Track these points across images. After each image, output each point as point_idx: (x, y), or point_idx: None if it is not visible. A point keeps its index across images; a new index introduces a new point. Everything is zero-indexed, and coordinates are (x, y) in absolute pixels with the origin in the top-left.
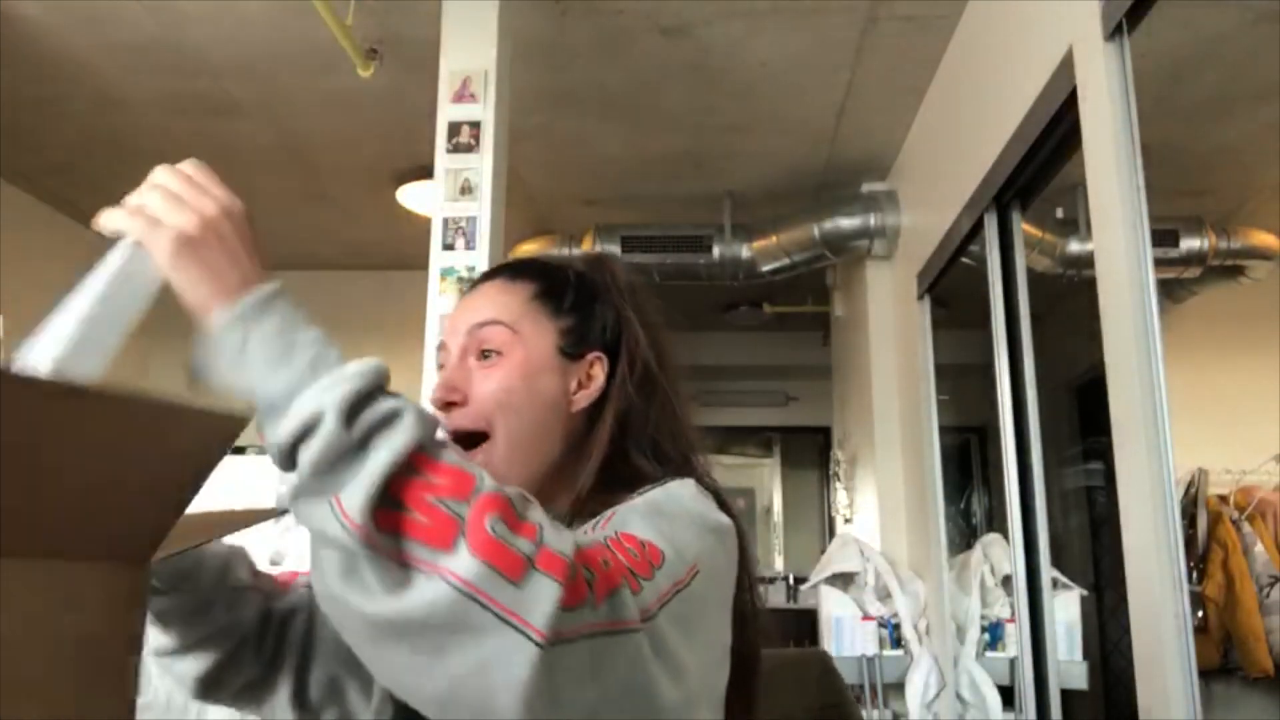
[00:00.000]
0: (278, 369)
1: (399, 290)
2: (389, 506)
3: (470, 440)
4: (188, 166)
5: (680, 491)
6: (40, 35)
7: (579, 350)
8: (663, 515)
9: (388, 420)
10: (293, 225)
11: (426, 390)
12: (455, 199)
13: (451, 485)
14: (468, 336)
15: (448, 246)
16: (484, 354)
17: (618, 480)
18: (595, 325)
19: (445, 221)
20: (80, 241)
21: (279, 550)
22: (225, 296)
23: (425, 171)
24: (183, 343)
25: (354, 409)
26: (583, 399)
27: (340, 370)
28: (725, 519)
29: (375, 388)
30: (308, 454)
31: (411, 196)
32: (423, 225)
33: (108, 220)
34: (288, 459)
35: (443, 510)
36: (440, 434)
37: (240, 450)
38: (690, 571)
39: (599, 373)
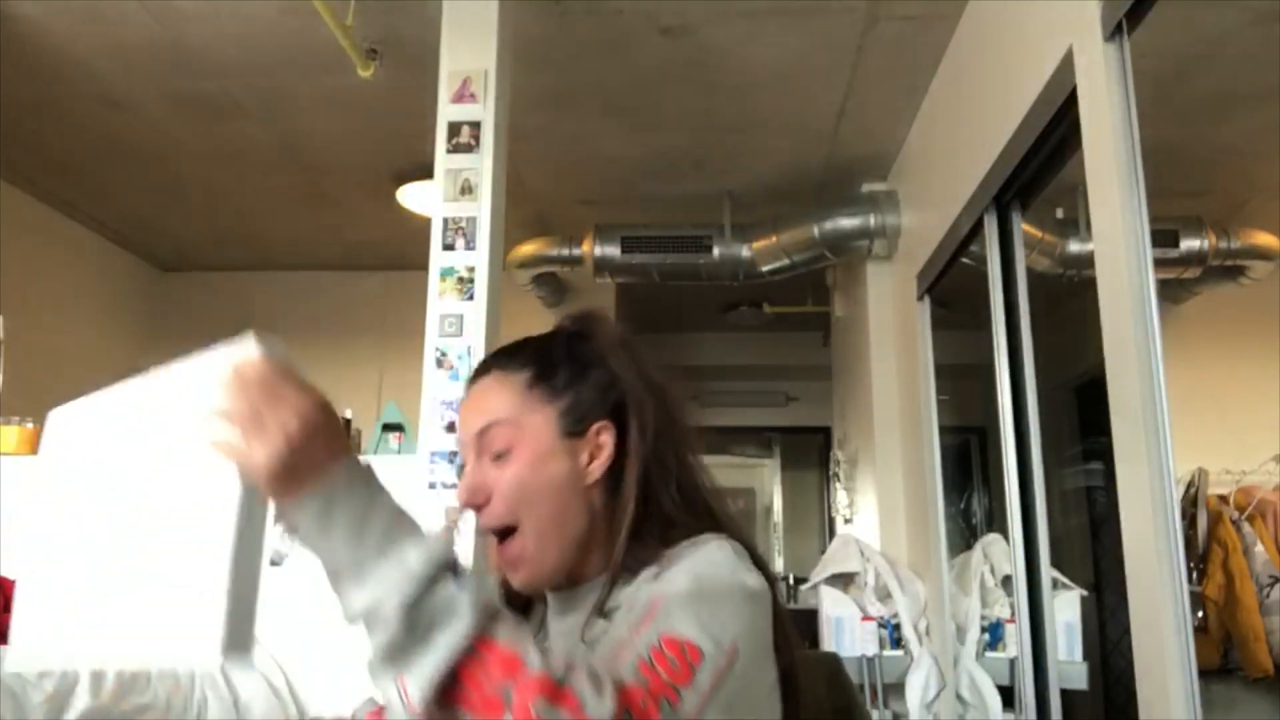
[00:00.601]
0: (351, 543)
1: (399, 290)
2: (447, 681)
3: (503, 532)
4: (259, 365)
5: (718, 558)
6: (40, 35)
7: (582, 426)
8: (704, 599)
9: (445, 612)
10: (293, 225)
11: (427, 391)
12: (455, 199)
13: (501, 666)
14: (477, 441)
15: (448, 246)
16: (495, 455)
17: (650, 534)
18: (593, 395)
19: (445, 221)
20: (80, 242)
21: (279, 551)
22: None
23: (425, 171)
24: (180, 344)
25: (415, 603)
26: (596, 469)
27: (403, 558)
28: (760, 581)
29: (437, 574)
30: (375, 640)
31: (411, 196)
32: (423, 225)
33: (219, 454)
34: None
35: (492, 689)
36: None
37: None
38: (731, 655)
39: (607, 440)
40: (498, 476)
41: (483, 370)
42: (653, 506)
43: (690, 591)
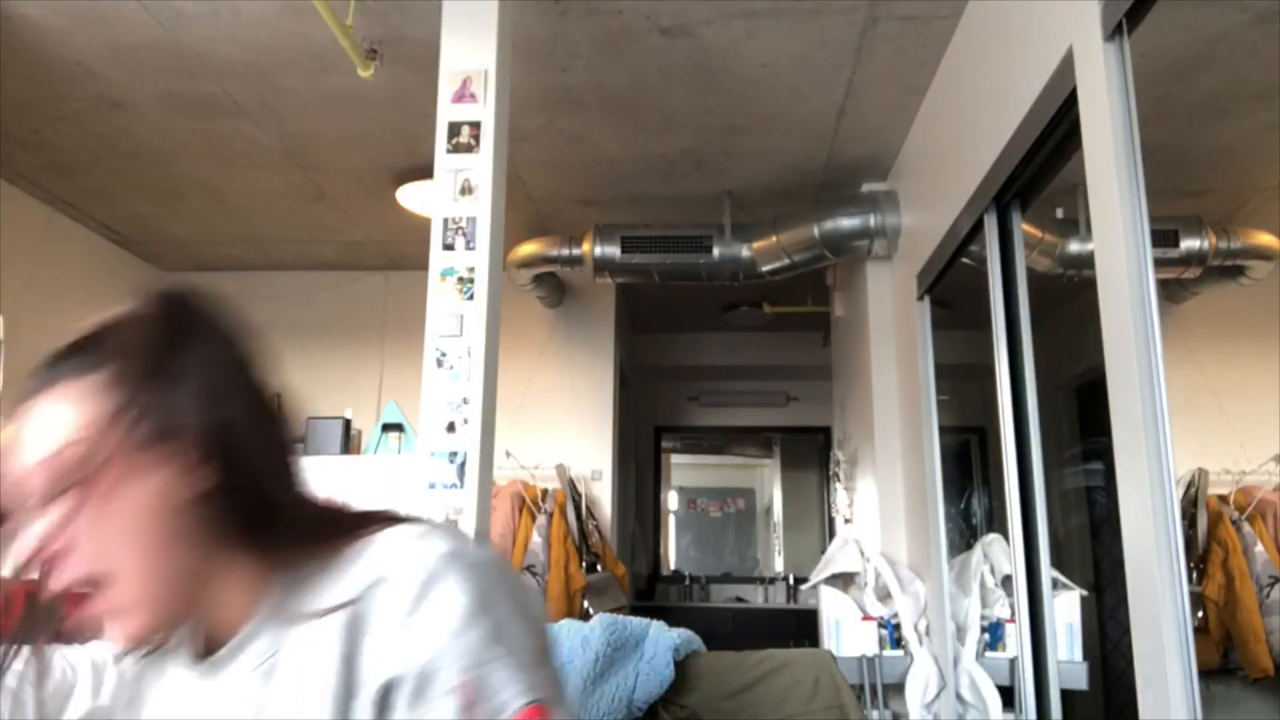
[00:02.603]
0: None
1: (399, 290)
2: None
3: (87, 587)
4: None
5: (471, 576)
6: (40, 35)
7: (167, 439)
8: (507, 642)
9: None
10: (293, 225)
11: (427, 391)
12: (455, 199)
13: None
14: (33, 484)
15: (448, 246)
16: (62, 489)
17: (293, 544)
18: (187, 400)
19: (445, 221)
20: (80, 241)
21: None
22: None
23: (425, 171)
24: None
25: None
26: (193, 484)
27: None
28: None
29: None
30: None
31: (411, 196)
32: (423, 225)
33: None
34: None
35: None
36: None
37: None
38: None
39: (195, 454)
40: (68, 517)
41: (42, 382)
42: (278, 514)
43: (490, 640)
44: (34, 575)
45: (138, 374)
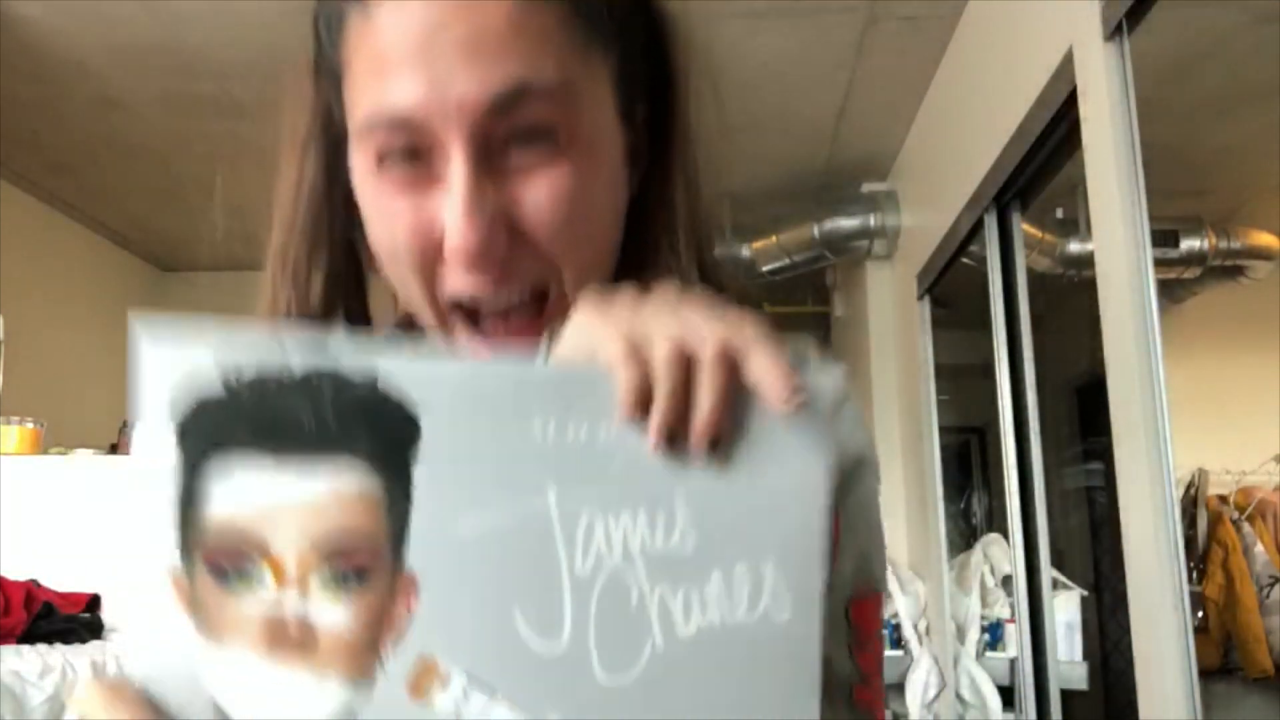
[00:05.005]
0: None
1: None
2: None
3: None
4: None
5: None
6: (40, 35)
7: (632, 105)
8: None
9: None
10: None
11: None
12: None
13: None
14: (489, 117)
15: None
16: (524, 138)
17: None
18: (641, 57)
19: None
20: (80, 241)
21: None
22: None
23: None
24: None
25: None
26: (634, 177)
27: None
28: None
29: None
30: None
31: None
32: None
33: None
34: None
35: None
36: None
37: None
38: None
39: (641, 132)
40: (538, 189)
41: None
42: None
43: (875, 512)
44: None
45: (599, 23)
